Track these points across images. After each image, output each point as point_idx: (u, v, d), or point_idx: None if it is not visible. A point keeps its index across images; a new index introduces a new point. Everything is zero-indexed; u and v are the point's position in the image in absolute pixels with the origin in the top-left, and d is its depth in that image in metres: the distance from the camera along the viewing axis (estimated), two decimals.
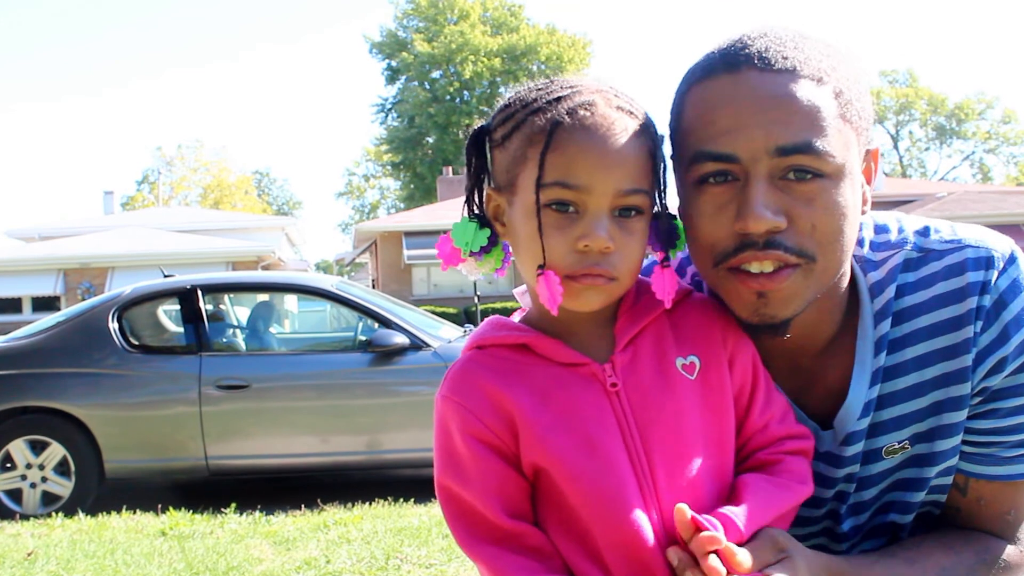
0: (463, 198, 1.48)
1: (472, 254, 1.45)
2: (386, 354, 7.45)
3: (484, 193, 1.45)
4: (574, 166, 1.30)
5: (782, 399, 1.49)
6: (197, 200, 69.51)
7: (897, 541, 1.61)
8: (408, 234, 33.14)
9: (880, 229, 1.58)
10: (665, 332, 1.43)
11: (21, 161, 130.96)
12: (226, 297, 9.02)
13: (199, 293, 7.86)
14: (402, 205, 59.53)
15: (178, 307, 8.00)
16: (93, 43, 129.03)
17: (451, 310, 26.36)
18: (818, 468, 1.54)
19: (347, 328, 9.81)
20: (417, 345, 7.48)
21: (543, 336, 1.40)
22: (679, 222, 1.46)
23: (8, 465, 7.35)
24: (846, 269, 1.48)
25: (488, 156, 1.44)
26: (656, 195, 1.39)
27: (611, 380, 1.36)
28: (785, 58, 1.35)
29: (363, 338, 7.96)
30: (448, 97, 52.70)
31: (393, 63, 55.43)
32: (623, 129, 1.32)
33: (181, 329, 8.03)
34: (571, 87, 1.36)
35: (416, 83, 53.84)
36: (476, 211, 1.46)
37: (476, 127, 1.46)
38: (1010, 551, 1.54)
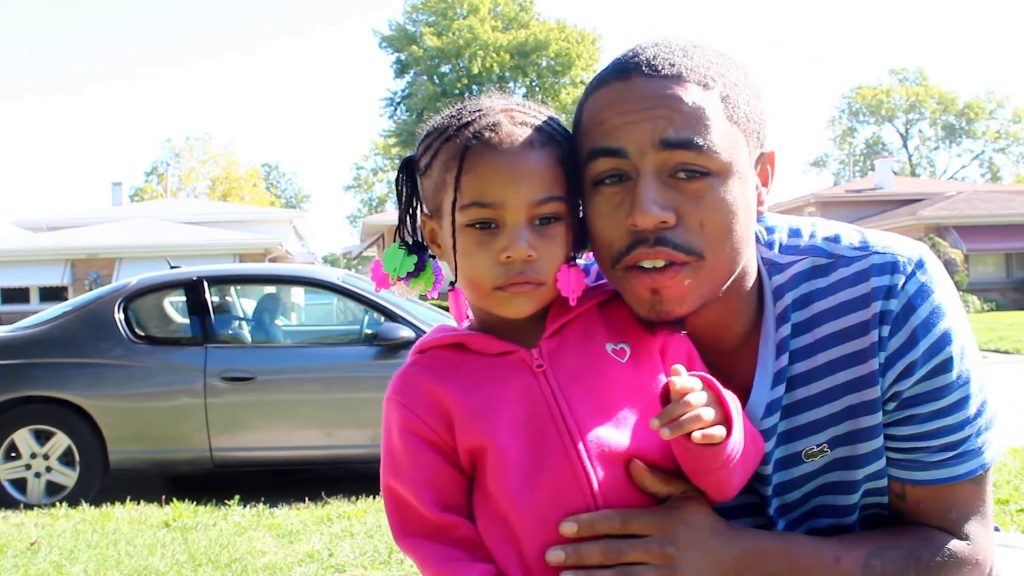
0: None
1: (400, 279, 1.55)
2: (392, 348, 7.43)
3: (418, 220, 1.55)
4: (486, 185, 1.38)
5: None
6: (205, 192, 69.64)
7: None
8: None
9: (793, 233, 1.62)
10: (595, 321, 1.50)
11: (31, 152, 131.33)
12: (232, 289, 9.01)
13: (205, 285, 7.85)
14: None
15: (184, 298, 7.99)
16: (105, 35, 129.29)
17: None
18: None
19: (353, 321, 9.78)
20: None
21: (477, 334, 1.48)
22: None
23: (13, 454, 7.37)
24: (748, 268, 1.53)
25: (419, 183, 1.54)
26: (573, 199, 1.45)
27: (537, 362, 1.44)
28: (672, 64, 1.42)
29: (369, 331, 7.95)
30: (457, 91, 52.57)
31: (402, 57, 55.36)
32: (528, 143, 1.40)
33: (187, 320, 8.03)
34: (478, 111, 1.45)
35: (425, 77, 53.76)
36: (407, 238, 1.56)
37: (404, 158, 1.56)
38: (958, 545, 1.53)
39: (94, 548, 5.45)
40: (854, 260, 1.53)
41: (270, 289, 9.61)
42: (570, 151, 1.45)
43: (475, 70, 51.56)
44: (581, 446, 1.37)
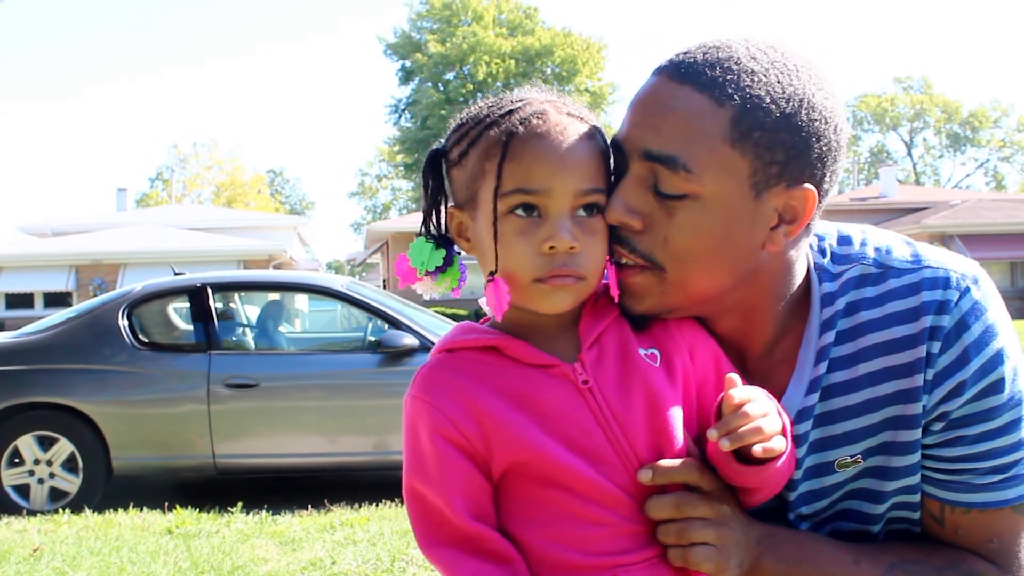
0: None
1: (428, 273, 1.48)
2: (395, 355, 7.43)
3: (445, 213, 1.50)
4: (532, 172, 1.34)
5: None
6: (210, 198, 69.75)
7: None
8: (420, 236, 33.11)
9: (843, 240, 1.57)
10: (625, 328, 1.46)
11: (36, 157, 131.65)
12: (236, 296, 9.01)
13: (209, 291, 7.86)
14: (414, 206, 59.65)
15: (188, 305, 8.00)
16: (112, 39, 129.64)
17: (461, 312, 26.33)
18: None
19: (357, 328, 9.79)
20: (426, 346, 7.43)
21: (512, 338, 1.42)
22: None
23: (16, 460, 7.37)
24: (784, 279, 1.49)
25: (445, 177, 1.49)
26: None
27: (582, 378, 1.39)
28: (694, 72, 1.37)
29: (372, 339, 7.94)
30: (461, 99, 52.63)
31: (407, 64, 55.44)
32: (576, 133, 1.38)
33: (191, 327, 8.03)
34: (521, 100, 1.41)
35: (429, 84, 53.83)
36: (433, 231, 1.50)
37: (431, 150, 1.50)
38: (989, 569, 1.49)
39: (97, 555, 5.45)
40: (905, 272, 1.48)
41: (274, 296, 9.61)
42: (607, 147, 1.44)
43: (480, 76, 51.61)
44: (639, 463, 1.36)
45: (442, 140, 1.50)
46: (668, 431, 1.38)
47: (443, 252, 1.48)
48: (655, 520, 1.36)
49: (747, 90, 1.36)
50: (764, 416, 1.31)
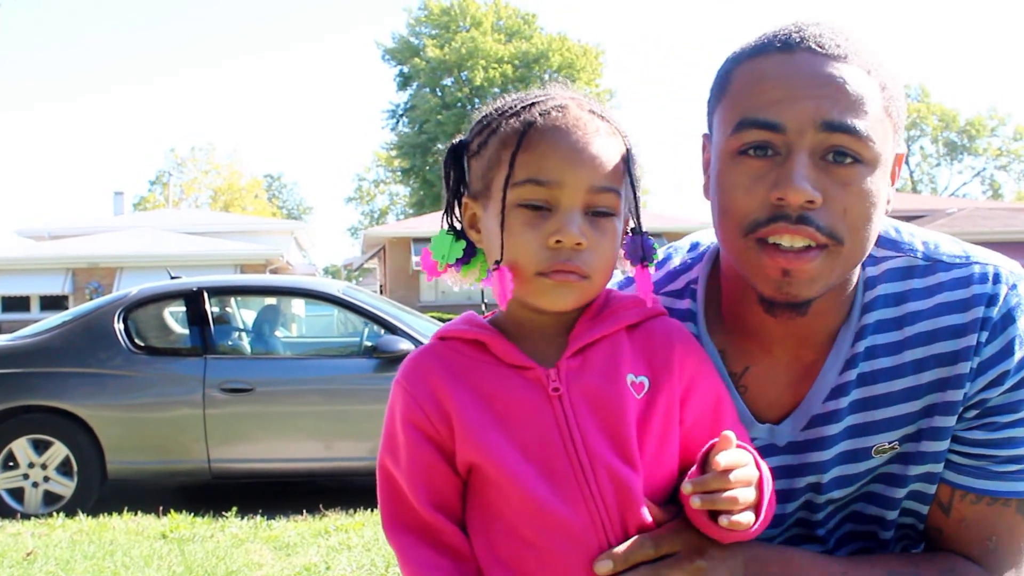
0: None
1: (449, 265, 1.48)
2: (391, 360, 7.42)
3: (462, 204, 1.47)
4: (545, 162, 1.33)
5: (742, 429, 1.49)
6: (207, 203, 69.69)
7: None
8: (416, 240, 33.14)
9: (891, 230, 1.60)
10: (622, 347, 1.42)
11: (33, 161, 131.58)
12: (232, 300, 9.00)
13: (205, 295, 7.85)
14: (411, 211, 59.55)
15: (184, 309, 7.99)
16: (108, 43, 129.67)
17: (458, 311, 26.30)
18: (785, 461, 1.55)
19: (353, 333, 9.78)
20: None
21: (498, 336, 1.41)
22: (656, 244, 1.49)
23: (11, 464, 7.36)
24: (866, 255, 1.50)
25: (465, 168, 1.47)
26: (628, 203, 1.41)
27: (554, 385, 1.36)
28: (838, 45, 1.39)
29: (369, 344, 7.93)
30: (459, 104, 52.72)
31: (405, 69, 55.48)
32: (595, 129, 1.36)
33: (186, 331, 8.03)
34: (545, 95, 1.40)
35: (427, 89, 53.88)
36: (455, 224, 1.49)
37: (453, 142, 1.49)
38: (979, 573, 1.50)
39: (91, 559, 5.44)
40: (954, 266, 1.53)
41: (270, 300, 9.61)
42: (632, 155, 1.41)
43: (477, 82, 51.66)
44: (593, 479, 1.32)
45: (465, 133, 1.49)
46: (630, 462, 1.34)
47: (463, 244, 1.47)
48: None
49: (878, 59, 1.42)
50: (745, 486, 1.29)
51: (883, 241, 1.57)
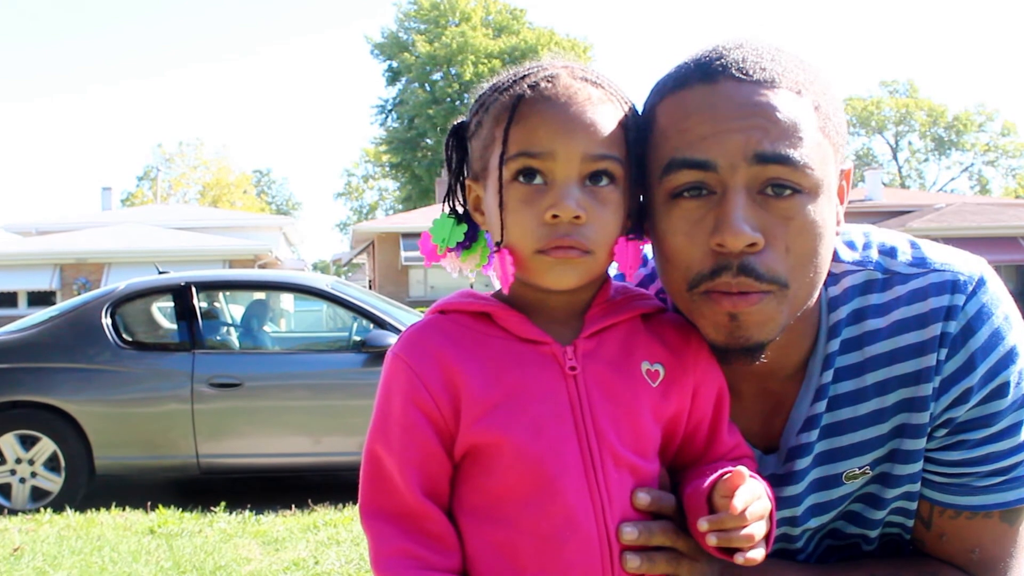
0: None
1: (450, 250, 1.41)
2: (380, 355, 7.39)
3: (465, 187, 1.42)
4: (536, 133, 1.27)
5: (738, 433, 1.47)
6: (196, 198, 69.47)
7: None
8: (405, 235, 33.13)
9: (846, 244, 1.53)
10: (638, 333, 1.39)
11: (21, 156, 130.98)
12: (220, 295, 8.98)
13: (193, 290, 7.83)
14: (400, 206, 59.53)
15: (172, 304, 7.96)
16: (96, 39, 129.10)
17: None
18: None
19: (342, 328, 9.77)
20: None
21: (508, 308, 1.36)
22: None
23: None
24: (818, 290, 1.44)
25: (468, 149, 1.41)
26: (630, 170, 1.33)
27: (571, 363, 1.32)
28: (763, 69, 1.31)
29: (358, 338, 7.93)
30: (448, 99, 52.67)
31: (394, 64, 55.42)
32: (587, 97, 1.29)
33: (174, 326, 8.00)
34: (537, 66, 1.35)
35: (416, 84, 53.82)
36: (457, 207, 1.43)
37: (455, 123, 1.44)
38: None
39: (78, 554, 5.42)
40: (911, 277, 1.45)
41: (259, 295, 9.58)
42: (633, 120, 1.34)
43: (467, 77, 51.60)
44: (600, 464, 1.29)
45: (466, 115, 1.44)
46: (638, 450, 1.32)
47: (464, 227, 1.41)
48: (622, 544, 1.29)
49: (808, 76, 1.34)
50: (759, 520, 1.26)
51: (839, 256, 1.49)
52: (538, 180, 1.28)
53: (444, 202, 1.44)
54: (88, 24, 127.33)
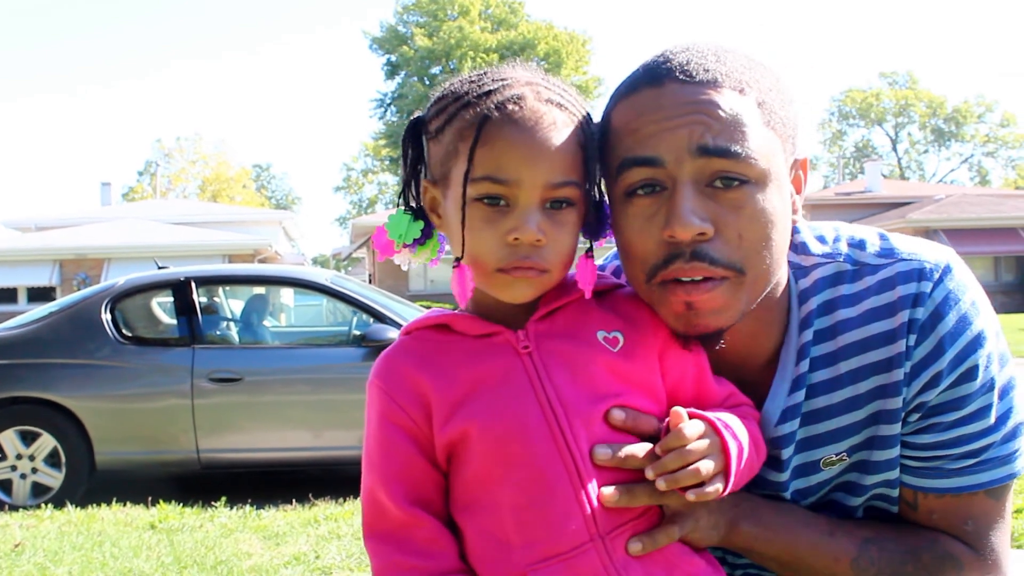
0: None
1: (406, 246, 1.47)
2: (380, 349, 7.35)
3: (421, 185, 1.46)
4: (503, 160, 1.31)
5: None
6: (195, 193, 69.45)
7: None
8: None
9: (816, 237, 1.59)
10: (590, 309, 1.44)
11: (20, 152, 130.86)
12: (220, 290, 8.97)
13: (193, 285, 7.82)
14: (399, 201, 59.46)
15: (172, 299, 7.95)
16: (95, 36, 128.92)
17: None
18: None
19: (342, 322, 9.76)
20: None
21: (463, 315, 1.43)
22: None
23: None
24: (781, 278, 1.50)
25: (424, 147, 1.46)
26: (588, 186, 1.40)
27: (523, 343, 1.39)
28: (707, 70, 1.38)
29: (357, 333, 7.92)
30: None
31: (393, 58, 55.32)
32: (551, 122, 1.34)
33: (174, 321, 7.99)
34: (502, 80, 1.38)
35: (415, 78, 53.72)
36: (412, 203, 1.48)
37: (412, 118, 1.48)
38: (968, 554, 1.50)
39: (79, 550, 5.42)
40: (880, 268, 1.50)
41: (259, 290, 9.57)
42: (590, 135, 1.40)
43: (465, 71, 51.34)
44: (568, 428, 1.33)
45: (424, 109, 1.47)
46: (604, 408, 1.36)
47: (421, 224, 1.47)
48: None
49: (752, 76, 1.40)
50: (704, 457, 1.32)
51: (809, 249, 1.56)
52: (502, 203, 1.33)
53: (399, 198, 1.49)
54: (87, 22, 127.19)
